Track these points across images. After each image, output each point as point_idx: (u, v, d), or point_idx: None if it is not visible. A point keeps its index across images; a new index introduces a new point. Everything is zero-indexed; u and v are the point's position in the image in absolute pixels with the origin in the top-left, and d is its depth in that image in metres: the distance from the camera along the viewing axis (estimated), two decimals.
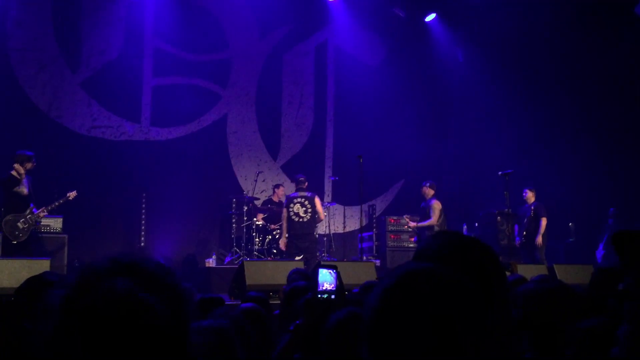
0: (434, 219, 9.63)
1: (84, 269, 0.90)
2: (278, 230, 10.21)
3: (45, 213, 8.01)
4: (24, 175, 7.85)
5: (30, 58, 10.29)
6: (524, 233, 10.09)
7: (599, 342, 1.74)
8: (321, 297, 2.02)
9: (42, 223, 8.78)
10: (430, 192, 9.90)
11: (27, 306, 2.68)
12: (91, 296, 0.82)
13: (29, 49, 10.30)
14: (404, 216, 10.49)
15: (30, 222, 7.82)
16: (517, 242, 10.21)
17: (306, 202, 9.30)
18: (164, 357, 0.81)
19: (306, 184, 9.58)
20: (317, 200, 9.53)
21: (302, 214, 9.25)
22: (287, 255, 9.27)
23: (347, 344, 1.93)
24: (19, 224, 7.72)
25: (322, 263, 2.52)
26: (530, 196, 10.17)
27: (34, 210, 7.88)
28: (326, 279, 2.04)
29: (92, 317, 0.79)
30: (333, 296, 2.03)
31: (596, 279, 3.32)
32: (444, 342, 0.94)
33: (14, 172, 7.81)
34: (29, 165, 7.91)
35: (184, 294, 0.92)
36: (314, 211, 9.32)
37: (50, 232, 8.81)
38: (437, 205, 9.70)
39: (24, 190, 7.83)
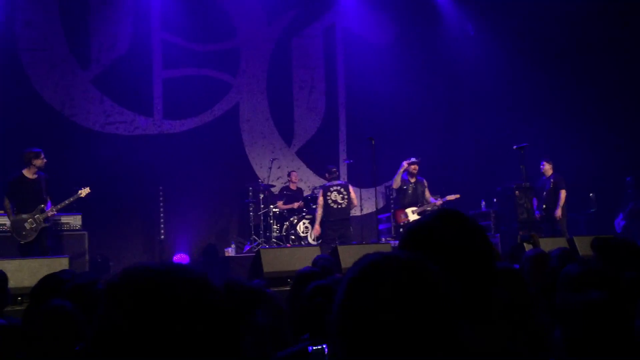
0: None
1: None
2: (296, 216, 10.25)
3: (54, 212, 7.82)
4: (34, 174, 7.71)
5: (41, 58, 10.36)
6: (544, 206, 9.97)
7: (595, 317, 1.69)
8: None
9: (61, 221, 8.90)
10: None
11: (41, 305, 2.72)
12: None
13: (39, 49, 10.37)
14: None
15: (38, 221, 7.64)
16: (537, 215, 10.11)
17: (342, 190, 9.70)
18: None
19: (338, 172, 10.07)
20: (351, 188, 9.98)
21: (339, 201, 9.64)
22: (325, 241, 9.41)
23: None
24: (26, 224, 7.59)
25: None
26: (547, 169, 10.03)
27: (46, 208, 7.72)
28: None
29: None
30: None
31: (601, 250, 3.23)
32: (410, 331, 0.92)
33: (25, 171, 7.71)
34: (38, 162, 7.72)
35: None
36: (349, 198, 9.68)
37: (70, 230, 8.92)
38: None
39: (35, 188, 7.67)
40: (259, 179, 11.22)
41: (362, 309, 0.93)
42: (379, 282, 0.95)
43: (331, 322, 0.99)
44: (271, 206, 10.31)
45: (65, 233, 8.79)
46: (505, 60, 11.98)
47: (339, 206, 9.60)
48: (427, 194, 9.88)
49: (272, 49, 11.93)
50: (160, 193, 10.35)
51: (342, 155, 12.23)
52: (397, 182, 9.76)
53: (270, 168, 11.03)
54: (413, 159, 9.78)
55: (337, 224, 9.60)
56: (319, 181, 11.22)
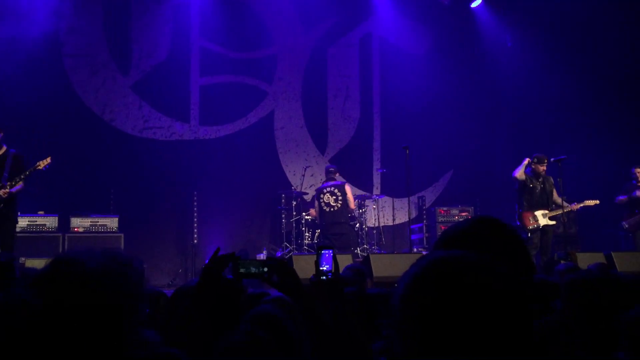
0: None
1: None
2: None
3: (8, 191, 6.72)
4: None
5: (84, 63, 10.64)
6: None
7: None
8: (323, 278, 2.02)
9: (99, 223, 9.09)
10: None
11: None
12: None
13: (82, 55, 10.66)
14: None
15: None
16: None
17: (336, 191, 9.29)
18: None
19: (337, 174, 9.60)
20: (348, 188, 9.51)
21: (332, 203, 9.24)
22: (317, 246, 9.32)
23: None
24: None
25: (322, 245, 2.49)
26: None
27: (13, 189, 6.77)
28: (326, 259, 2.04)
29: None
30: (330, 275, 2.03)
31: None
32: (472, 329, 0.91)
33: None
34: None
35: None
36: (345, 199, 9.24)
37: (107, 232, 9.12)
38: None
39: None
40: (292, 186, 11.27)
41: (425, 304, 0.94)
42: (444, 278, 0.95)
43: (391, 317, 0.99)
44: (303, 213, 10.35)
45: (102, 235, 8.97)
46: (544, 71, 11.80)
47: (331, 209, 9.10)
48: (555, 194, 8.69)
49: (308, 57, 12.01)
50: (195, 198, 10.49)
51: (376, 165, 12.20)
52: (520, 173, 8.56)
53: (303, 176, 11.07)
54: (537, 155, 8.58)
55: (327, 227, 9.05)
56: (352, 190, 11.21)
